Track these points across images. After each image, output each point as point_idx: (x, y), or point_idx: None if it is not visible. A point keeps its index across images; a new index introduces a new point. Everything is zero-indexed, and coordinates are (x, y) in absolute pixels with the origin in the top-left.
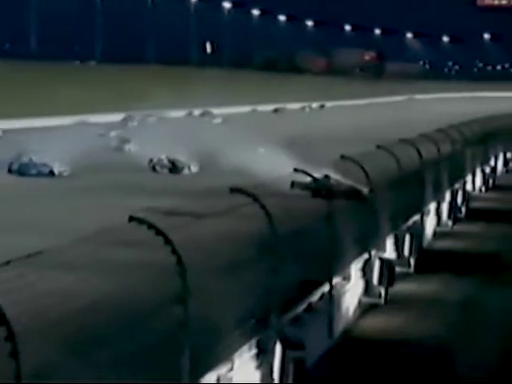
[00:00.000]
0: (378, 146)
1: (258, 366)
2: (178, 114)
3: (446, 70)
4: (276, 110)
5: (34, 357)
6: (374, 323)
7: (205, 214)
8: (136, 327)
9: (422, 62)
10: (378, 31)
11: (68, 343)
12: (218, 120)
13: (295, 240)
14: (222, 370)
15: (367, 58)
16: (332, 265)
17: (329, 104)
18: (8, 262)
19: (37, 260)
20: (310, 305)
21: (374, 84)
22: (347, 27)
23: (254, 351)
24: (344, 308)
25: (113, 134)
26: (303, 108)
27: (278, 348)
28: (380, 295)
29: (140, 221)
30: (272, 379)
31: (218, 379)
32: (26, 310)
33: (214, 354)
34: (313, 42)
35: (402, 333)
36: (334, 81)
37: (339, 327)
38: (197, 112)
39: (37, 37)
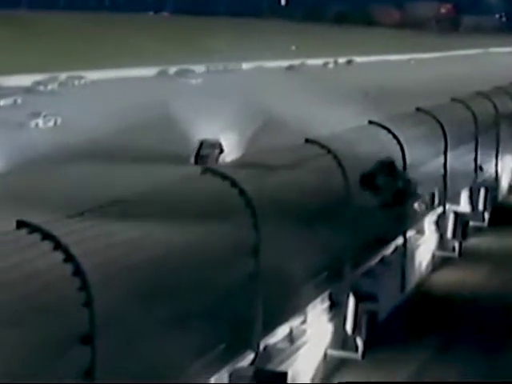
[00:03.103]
0: (453, 99)
1: (331, 319)
2: (248, 66)
3: None
4: (349, 62)
5: (107, 306)
6: (448, 277)
7: (279, 165)
8: (209, 279)
9: (497, 15)
10: None
11: (141, 293)
12: (289, 71)
13: (368, 193)
14: (295, 322)
15: (443, 10)
16: (406, 218)
17: (402, 57)
18: (81, 214)
19: (109, 211)
20: (383, 258)
21: (450, 37)
22: None
23: (327, 304)
24: (417, 261)
25: None
26: (373, 61)
27: (351, 301)
28: (454, 249)
29: (214, 172)
30: (345, 332)
31: (291, 331)
32: (98, 260)
33: (286, 307)
34: None
35: (476, 287)
36: (408, 34)
37: (412, 281)
38: (268, 64)
39: None
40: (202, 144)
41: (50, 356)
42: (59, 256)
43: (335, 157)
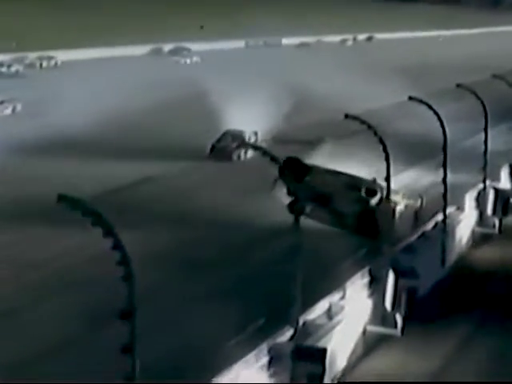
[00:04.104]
0: (494, 76)
1: (370, 295)
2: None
3: None
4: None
5: (146, 280)
6: (487, 253)
7: (319, 140)
8: (249, 254)
9: None
10: None
11: (182, 267)
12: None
13: (407, 167)
14: (333, 297)
15: None
16: (446, 194)
17: (443, 33)
18: (123, 187)
19: (143, 188)
20: (423, 233)
21: (491, 13)
22: None
23: (367, 279)
24: (457, 237)
25: None
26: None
27: (391, 276)
28: (494, 225)
29: (255, 147)
30: (384, 307)
31: (330, 307)
32: (138, 235)
33: (325, 282)
34: None
35: None
36: (450, 10)
37: (452, 257)
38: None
39: None
40: (223, 135)
41: (89, 330)
42: (99, 230)
43: (375, 133)
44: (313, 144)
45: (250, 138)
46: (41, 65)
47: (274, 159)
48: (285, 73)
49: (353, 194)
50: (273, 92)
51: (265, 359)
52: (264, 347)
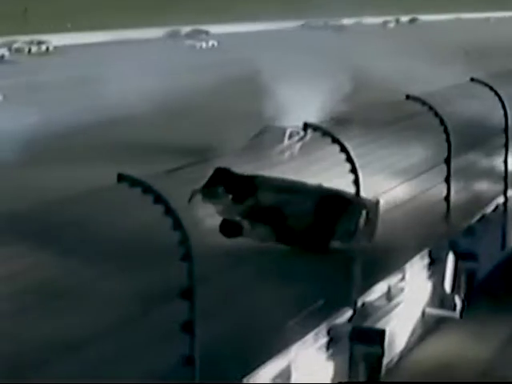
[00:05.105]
0: None
1: (430, 277)
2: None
3: None
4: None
5: (205, 260)
6: None
7: (380, 122)
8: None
9: None
10: None
11: (240, 247)
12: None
13: (468, 150)
14: (393, 279)
15: None
16: (507, 176)
17: (494, 14)
18: (178, 168)
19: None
20: (483, 216)
21: None
22: None
23: (426, 261)
24: None
25: None
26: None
27: (451, 259)
28: None
29: (315, 128)
30: (443, 289)
31: (389, 289)
32: (198, 213)
33: (385, 264)
34: None
35: None
36: None
37: None
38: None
39: None
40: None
41: (150, 308)
42: (159, 209)
43: (436, 114)
44: (375, 125)
45: (291, 135)
46: (29, 50)
47: (335, 140)
48: (326, 55)
49: (303, 207)
50: (322, 73)
51: (323, 340)
52: (323, 328)
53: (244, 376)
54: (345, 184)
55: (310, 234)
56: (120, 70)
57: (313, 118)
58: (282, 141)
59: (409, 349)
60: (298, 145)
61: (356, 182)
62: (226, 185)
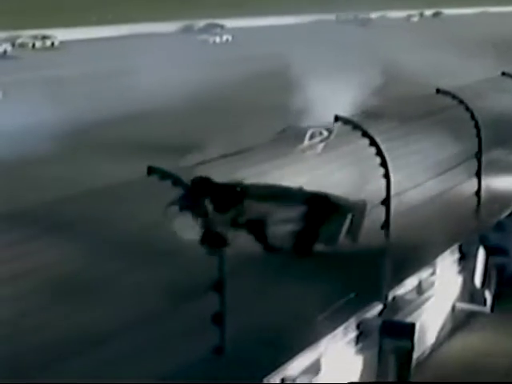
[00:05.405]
0: None
1: (460, 271)
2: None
3: None
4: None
5: (237, 252)
6: None
7: (410, 116)
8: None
9: None
10: None
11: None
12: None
13: (499, 144)
14: (423, 274)
15: None
16: None
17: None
18: (225, 156)
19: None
20: None
21: None
22: None
23: (457, 256)
24: None
25: None
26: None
27: (481, 254)
28: None
29: (346, 121)
30: (474, 284)
31: (420, 283)
32: None
33: (416, 258)
34: None
35: None
36: None
37: None
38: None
39: None
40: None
41: (180, 300)
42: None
43: (467, 108)
44: (405, 119)
45: (313, 135)
46: (33, 45)
47: (366, 134)
48: (352, 50)
49: (288, 213)
50: (351, 67)
51: (353, 334)
52: (352, 322)
53: (265, 376)
54: (375, 178)
55: (295, 237)
56: (125, 66)
57: (343, 113)
58: (302, 141)
59: (439, 343)
60: (321, 145)
61: (386, 176)
62: (207, 195)
